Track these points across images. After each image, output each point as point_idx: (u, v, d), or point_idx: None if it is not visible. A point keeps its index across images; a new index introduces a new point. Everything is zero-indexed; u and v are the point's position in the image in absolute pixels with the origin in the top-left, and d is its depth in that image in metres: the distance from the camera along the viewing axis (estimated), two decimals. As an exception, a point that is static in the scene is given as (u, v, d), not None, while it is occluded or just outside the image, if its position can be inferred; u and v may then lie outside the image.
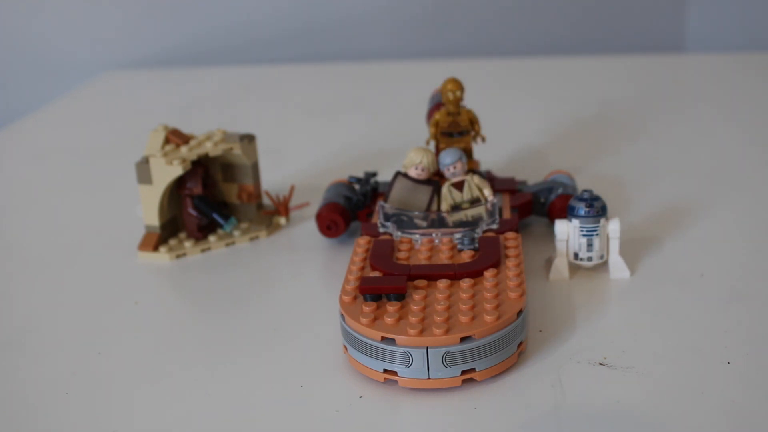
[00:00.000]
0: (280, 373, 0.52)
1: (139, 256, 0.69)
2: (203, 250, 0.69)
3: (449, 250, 0.58)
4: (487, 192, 0.63)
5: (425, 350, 0.48)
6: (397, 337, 0.49)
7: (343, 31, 1.28)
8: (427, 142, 0.69)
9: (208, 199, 0.70)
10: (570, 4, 1.24)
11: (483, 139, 0.70)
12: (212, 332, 0.58)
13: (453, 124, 0.68)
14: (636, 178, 0.78)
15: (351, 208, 0.68)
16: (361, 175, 0.73)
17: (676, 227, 0.68)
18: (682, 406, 0.47)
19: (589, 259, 0.61)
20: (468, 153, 0.69)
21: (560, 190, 0.67)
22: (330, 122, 1.01)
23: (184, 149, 0.68)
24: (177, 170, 0.67)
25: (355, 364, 0.51)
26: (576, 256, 0.61)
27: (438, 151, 0.69)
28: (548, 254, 0.64)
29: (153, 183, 0.67)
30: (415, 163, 0.64)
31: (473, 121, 0.69)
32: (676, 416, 0.46)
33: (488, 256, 0.56)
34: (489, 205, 0.61)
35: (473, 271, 0.54)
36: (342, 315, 0.52)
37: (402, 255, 0.58)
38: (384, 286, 0.52)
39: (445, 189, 0.63)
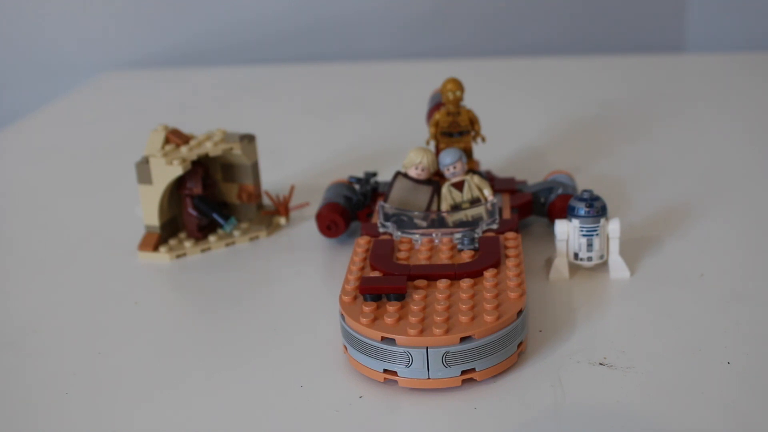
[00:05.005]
0: (280, 373, 0.52)
1: (139, 256, 0.69)
2: (203, 250, 0.69)
3: (449, 250, 0.58)
4: (487, 192, 0.63)
5: (425, 350, 0.48)
6: (397, 337, 0.49)
7: (343, 31, 1.28)
8: (427, 142, 0.69)
9: (208, 199, 0.70)
10: (570, 4, 1.24)
11: (483, 139, 0.70)
12: (212, 332, 0.58)
13: (453, 124, 0.68)
14: (636, 178, 0.78)
15: (351, 208, 0.68)
16: (361, 175, 0.73)
17: (676, 227, 0.68)
18: (682, 406, 0.47)
19: (589, 259, 0.61)
20: (468, 153, 0.69)
21: (560, 190, 0.67)
22: (330, 122, 1.01)
23: (184, 149, 0.68)
24: (177, 170, 0.67)
25: (355, 364, 0.51)
26: (576, 256, 0.61)
27: (438, 151, 0.69)
28: (548, 254, 0.64)
29: (153, 183, 0.67)
30: (415, 163, 0.64)
31: (473, 121, 0.69)
32: (676, 416, 0.46)
33: (488, 256, 0.56)
34: (489, 205, 0.61)
35: (473, 271, 0.54)
36: (342, 315, 0.52)
37: (402, 255, 0.58)
38: (384, 286, 0.52)
39: (445, 189, 0.63)
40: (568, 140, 0.90)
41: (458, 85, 0.68)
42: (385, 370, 0.50)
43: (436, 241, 0.60)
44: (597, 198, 0.60)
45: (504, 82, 1.13)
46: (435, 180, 0.64)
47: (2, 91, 1.34)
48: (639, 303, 0.58)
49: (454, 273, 0.54)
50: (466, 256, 0.57)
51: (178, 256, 0.68)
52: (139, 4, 1.30)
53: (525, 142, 0.89)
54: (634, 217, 0.70)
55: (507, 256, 0.57)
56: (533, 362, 0.52)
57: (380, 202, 0.63)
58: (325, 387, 0.51)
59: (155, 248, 0.68)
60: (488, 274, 0.54)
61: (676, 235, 0.67)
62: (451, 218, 0.62)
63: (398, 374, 0.49)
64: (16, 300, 0.64)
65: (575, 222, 0.60)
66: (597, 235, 0.60)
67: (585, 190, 0.61)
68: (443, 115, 0.68)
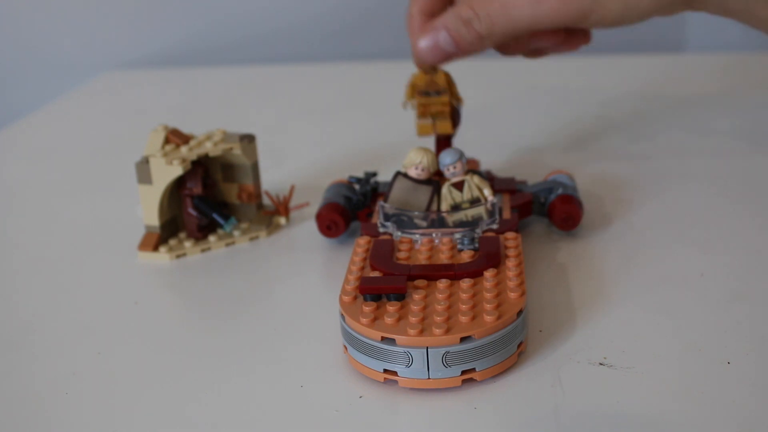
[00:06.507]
0: (280, 373, 0.52)
1: (139, 256, 0.69)
2: (203, 250, 0.69)
3: (449, 250, 0.58)
4: (487, 192, 0.63)
5: (425, 350, 0.48)
6: (397, 337, 0.49)
7: (344, 31, 1.28)
8: (404, 106, 0.69)
9: (208, 199, 0.70)
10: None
11: (459, 100, 0.70)
12: (212, 332, 0.58)
13: (431, 83, 0.68)
14: (636, 178, 0.78)
15: (351, 208, 0.68)
16: (361, 175, 0.73)
17: (676, 228, 0.68)
18: (682, 406, 0.47)
19: None
20: (449, 114, 0.69)
21: (560, 190, 0.67)
22: (330, 122, 1.01)
23: (184, 149, 0.68)
24: (177, 170, 0.67)
25: (355, 364, 0.51)
26: None
27: (438, 150, 0.69)
28: (548, 254, 0.64)
29: (153, 183, 0.67)
30: (415, 163, 0.64)
31: (450, 83, 0.69)
32: (676, 416, 0.46)
33: (488, 256, 0.56)
34: (489, 205, 0.61)
35: (473, 271, 0.54)
36: (342, 315, 0.52)
37: (402, 255, 0.58)
38: (384, 286, 0.52)
39: (445, 189, 0.63)
40: (568, 140, 0.90)
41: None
42: (385, 370, 0.50)
43: (436, 241, 0.60)
44: None
45: (504, 82, 1.13)
46: (435, 180, 0.64)
47: (3, 91, 1.34)
48: (639, 303, 0.58)
49: (454, 273, 0.54)
50: (466, 256, 0.57)
51: (178, 256, 0.68)
52: (139, 4, 1.30)
53: (525, 142, 0.89)
54: (634, 217, 0.70)
55: (507, 256, 0.57)
56: (533, 362, 0.52)
57: (380, 202, 0.63)
58: (325, 387, 0.51)
59: (155, 248, 0.68)
60: (488, 274, 0.54)
61: (676, 236, 0.67)
62: (451, 218, 0.61)
63: (398, 374, 0.49)
64: (16, 300, 0.64)
65: None
66: None
67: None
68: (420, 75, 0.68)
